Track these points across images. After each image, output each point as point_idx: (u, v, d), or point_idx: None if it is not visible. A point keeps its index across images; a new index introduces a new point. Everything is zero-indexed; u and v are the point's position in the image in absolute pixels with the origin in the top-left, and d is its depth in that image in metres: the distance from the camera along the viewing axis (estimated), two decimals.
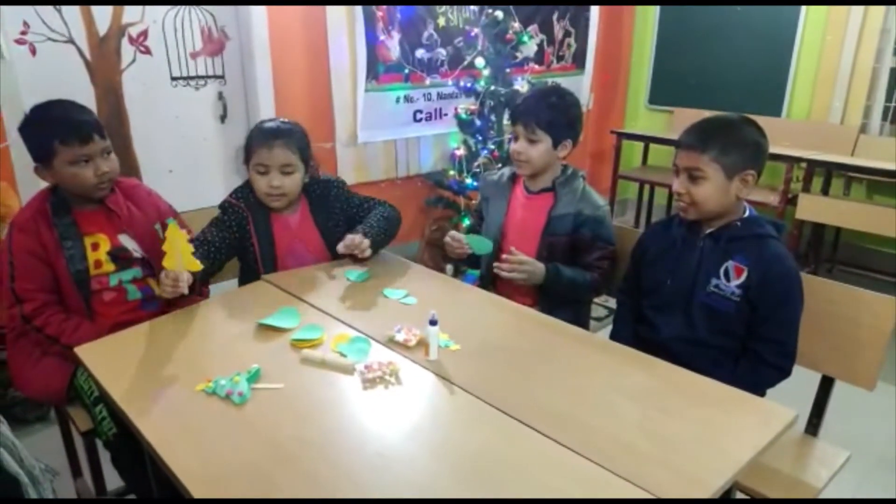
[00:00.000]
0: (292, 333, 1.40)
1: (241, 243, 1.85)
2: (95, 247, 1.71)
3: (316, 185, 1.93)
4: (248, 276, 1.88)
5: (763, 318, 1.51)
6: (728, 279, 1.52)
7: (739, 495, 1.44)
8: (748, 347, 1.55)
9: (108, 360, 1.34)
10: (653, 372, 1.32)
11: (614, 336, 1.78)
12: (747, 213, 1.57)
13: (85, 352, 1.38)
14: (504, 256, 1.76)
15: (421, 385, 1.26)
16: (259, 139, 1.80)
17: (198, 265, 1.52)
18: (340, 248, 1.76)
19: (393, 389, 1.23)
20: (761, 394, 1.55)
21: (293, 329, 1.45)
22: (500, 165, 3.21)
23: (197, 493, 0.97)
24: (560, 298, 1.83)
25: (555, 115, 1.82)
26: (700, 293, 1.56)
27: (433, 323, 1.30)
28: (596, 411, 1.17)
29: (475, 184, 3.32)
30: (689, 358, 1.54)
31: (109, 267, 1.72)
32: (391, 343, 1.39)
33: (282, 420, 1.14)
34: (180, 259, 1.48)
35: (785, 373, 1.52)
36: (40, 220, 1.65)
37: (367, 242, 1.77)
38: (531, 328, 1.51)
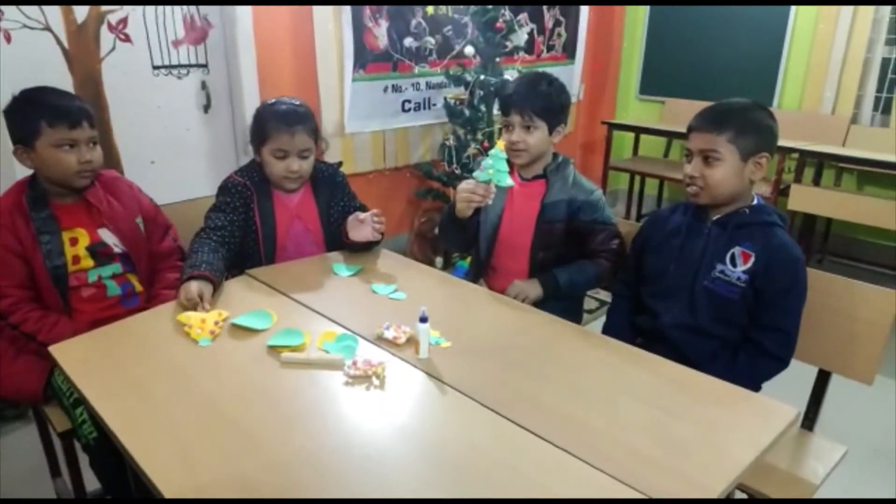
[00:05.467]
0: (269, 338, 1.34)
1: (245, 223, 1.83)
2: (74, 242, 1.65)
3: (325, 168, 1.96)
4: (245, 259, 1.85)
5: (766, 305, 1.49)
6: (734, 265, 1.51)
7: (737, 493, 1.42)
8: (749, 338, 1.53)
9: (84, 360, 1.28)
10: (653, 369, 1.28)
11: (607, 328, 1.75)
12: (755, 201, 1.55)
13: (60, 351, 1.32)
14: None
15: (411, 384, 1.21)
16: (278, 124, 1.78)
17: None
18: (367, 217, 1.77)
19: (381, 389, 1.19)
20: (757, 388, 1.53)
21: (267, 330, 1.39)
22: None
23: (172, 498, 0.92)
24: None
25: (548, 101, 1.80)
26: (704, 279, 1.54)
27: (423, 320, 1.26)
28: (594, 412, 1.13)
29: (466, 175, 3.28)
30: (687, 347, 1.53)
31: (88, 262, 1.66)
32: (380, 340, 1.35)
33: (266, 422, 1.10)
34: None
35: (784, 363, 1.51)
36: (16, 213, 1.59)
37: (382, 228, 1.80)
38: (526, 324, 1.47)
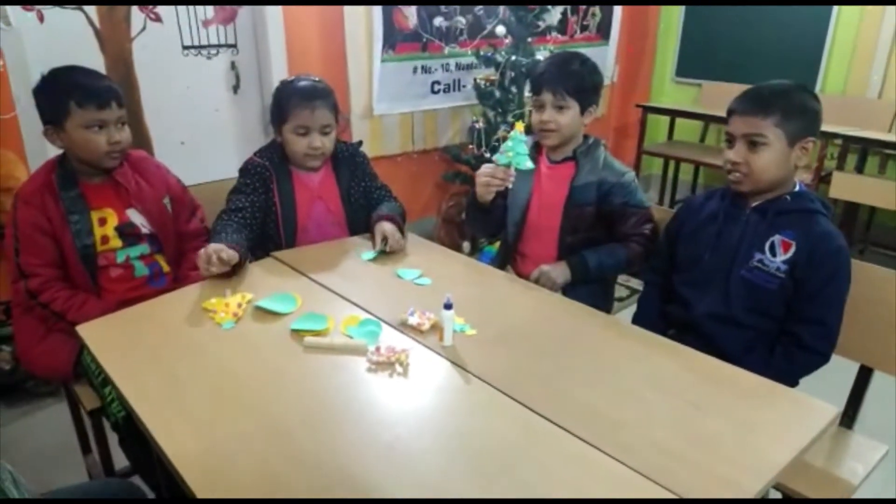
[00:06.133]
0: (292, 321, 1.33)
1: (265, 204, 1.81)
2: (103, 222, 1.66)
3: (345, 147, 1.93)
4: (266, 241, 1.84)
5: (807, 297, 1.43)
6: (774, 254, 1.44)
7: (771, 492, 1.37)
8: (787, 330, 1.47)
9: (110, 340, 1.29)
10: (684, 361, 1.24)
11: (638, 317, 1.71)
12: (797, 188, 1.48)
13: (87, 330, 1.32)
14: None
15: (434, 373, 1.19)
16: (298, 100, 1.76)
17: None
18: (390, 245, 1.71)
19: (404, 377, 1.16)
20: (795, 382, 1.47)
21: (291, 313, 1.38)
22: None
23: (193, 482, 0.92)
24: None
25: (580, 80, 1.75)
26: (741, 268, 1.48)
27: (448, 307, 1.23)
28: (622, 405, 1.10)
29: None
30: (721, 338, 1.48)
31: (116, 243, 1.67)
32: (403, 326, 1.32)
33: (287, 406, 1.08)
34: None
35: (824, 358, 1.45)
36: (46, 193, 1.60)
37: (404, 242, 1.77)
38: (553, 312, 1.43)
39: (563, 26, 3.96)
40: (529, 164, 1.61)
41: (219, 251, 1.48)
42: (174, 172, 1.86)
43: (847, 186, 3.24)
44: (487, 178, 1.66)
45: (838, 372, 1.52)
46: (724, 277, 1.50)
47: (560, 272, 1.71)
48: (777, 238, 1.44)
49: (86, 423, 1.82)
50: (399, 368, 1.18)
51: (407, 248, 1.76)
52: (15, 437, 2.16)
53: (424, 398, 1.12)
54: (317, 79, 1.85)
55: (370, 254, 1.71)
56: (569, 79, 1.73)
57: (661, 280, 1.69)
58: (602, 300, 1.84)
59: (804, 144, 1.43)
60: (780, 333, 1.48)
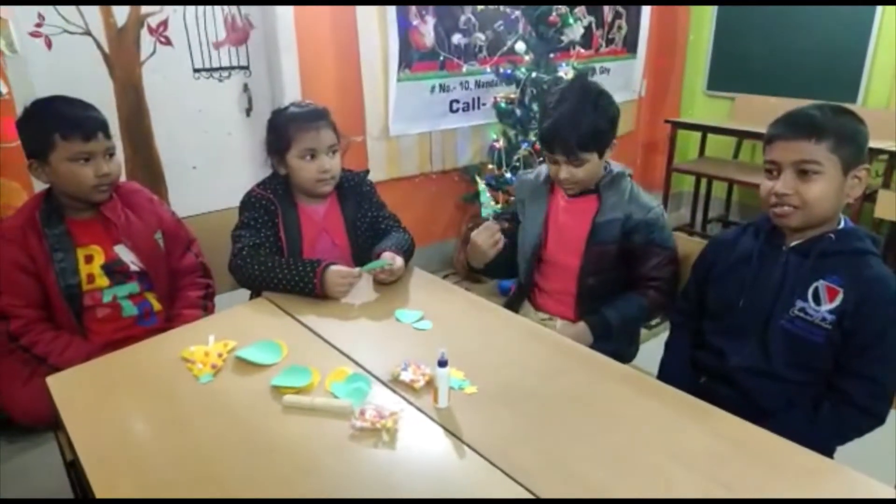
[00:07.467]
0: (274, 375, 1.20)
1: (272, 240, 1.71)
2: (89, 259, 1.58)
3: (351, 176, 1.83)
4: None
5: (857, 350, 1.24)
6: (818, 302, 1.26)
7: None
8: (834, 386, 1.28)
9: (79, 394, 1.19)
10: (714, 426, 1.08)
11: (666, 364, 1.53)
12: (843, 225, 1.31)
13: (57, 381, 1.23)
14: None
15: (424, 443, 1.04)
16: (301, 123, 1.68)
17: None
18: (385, 273, 1.61)
19: (391, 448, 1.03)
20: (842, 444, 1.29)
21: (274, 365, 1.26)
22: (541, 159, 2.97)
23: None
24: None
25: (595, 128, 1.55)
26: (780, 318, 1.30)
27: (442, 364, 1.09)
28: (640, 484, 0.94)
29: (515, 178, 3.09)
30: (759, 394, 1.31)
31: (103, 281, 1.59)
32: (395, 383, 1.19)
33: (254, 477, 0.96)
34: None
35: (877, 419, 1.26)
36: (29, 229, 1.53)
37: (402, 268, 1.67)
38: (566, 364, 1.28)
39: (587, 40, 3.81)
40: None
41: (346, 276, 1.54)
42: (186, 198, 1.79)
43: (894, 206, 3.02)
44: (494, 241, 1.58)
45: (889, 427, 1.33)
46: (761, 327, 1.32)
47: (578, 335, 1.55)
48: (822, 284, 1.26)
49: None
50: (385, 437, 1.04)
51: (409, 286, 1.63)
52: (14, 473, 2.09)
53: (411, 476, 0.98)
54: (310, 101, 1.77)
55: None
56: (583, 134, 1.53)
57: (691, 324, 1.52)
58: (626, 343, 1.69)
59: (857, 173, 1.25)
60: (827, 388, 1.30)
